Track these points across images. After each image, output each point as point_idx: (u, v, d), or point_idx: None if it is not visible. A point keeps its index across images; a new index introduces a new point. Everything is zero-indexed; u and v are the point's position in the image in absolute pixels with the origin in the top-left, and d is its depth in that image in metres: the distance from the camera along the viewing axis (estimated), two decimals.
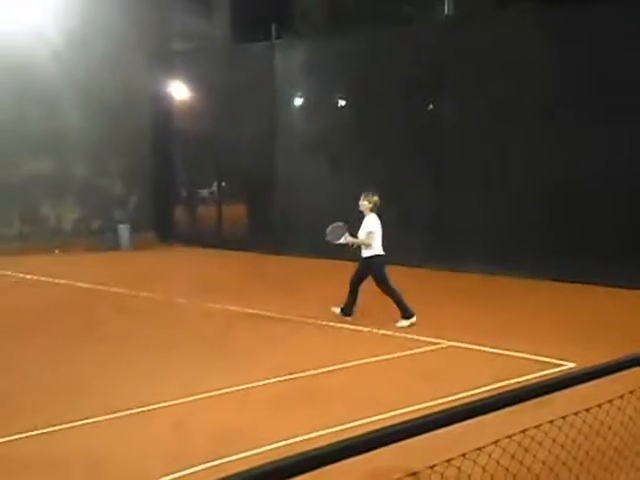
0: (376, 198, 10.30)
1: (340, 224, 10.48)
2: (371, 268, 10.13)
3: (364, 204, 10.26)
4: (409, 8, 20.47)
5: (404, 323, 10.04)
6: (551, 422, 3.23)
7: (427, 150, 15.70)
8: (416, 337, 9.41)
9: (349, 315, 10.35)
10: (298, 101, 18.88)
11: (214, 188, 20.71)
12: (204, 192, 21.64)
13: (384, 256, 10.22)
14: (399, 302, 10.10)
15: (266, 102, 18.10)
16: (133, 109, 19.47)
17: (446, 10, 15.48)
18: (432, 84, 15.66)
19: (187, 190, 21.60)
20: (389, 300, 11.88)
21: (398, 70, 15.99)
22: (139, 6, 19.36)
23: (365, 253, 10.19)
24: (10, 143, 17.40)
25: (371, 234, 10.08)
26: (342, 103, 18.18)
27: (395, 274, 14.85)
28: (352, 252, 10.63)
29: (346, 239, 10.29)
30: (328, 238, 10.47)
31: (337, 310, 10.41)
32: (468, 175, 15.23)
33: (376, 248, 10.12)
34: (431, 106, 16.12)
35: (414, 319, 10.06)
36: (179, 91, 20.63)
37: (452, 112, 15.48)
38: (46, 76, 17.76)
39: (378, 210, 10.31)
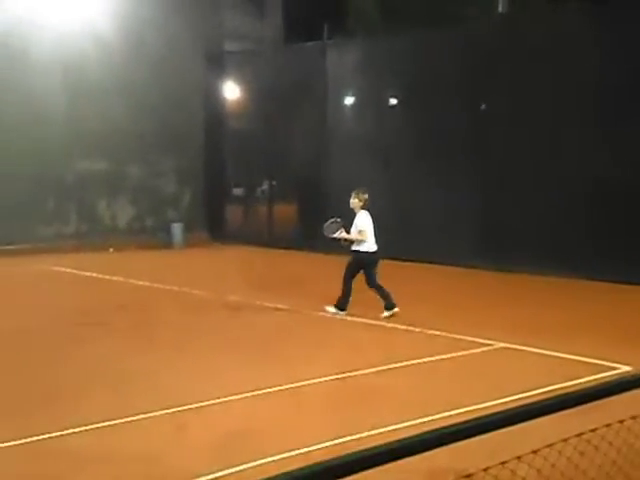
0: (366, 196, 10.59)
1: (338, 220, 10.87)
2: (357, 260, 10.46)
3: (354, 202, 10.57)
4: (463, 6, 20.32)
5: (332, 309, 10.63)
6: (608, 426, 3.20)
7: (478, 149, 15.59)
8: (468, 338, 9.35)
9: (343, 310, 10.58)
10: (349, 100, 18.91)
11: (265, 187, 20.85)
12: (255, 191, 21.80)
13: (375, 253, 10.53)
14: (344, 296, 10.54)
15: (318, 102, 18.17)
16: (186, 109, 19.72)
17: (500, 8, 15.34)
18: (484, 83, 15.55)
19: (238, 189, 21.80)
20: (436, 300, 11.96)
21: (450, 69, 15.90)
22: (192, 7, 19.59)
23: (355, 247, 10.52)
24: (67, 142, 17.78)
25: (362, 232, 10.40)
26: (394, 102, 18.15)
27: (444, 274, 14.87)
28: (346, 247, 10.86)
29: (340, 234, 10.64)
30: (325, 232, 10.86)
31: (387, 313, 10.49)
32: (519, 174, 15.09)
33: (367, 244, 10.43)
34: (484, 106, 16.00)
35: (343, 313, 10.54)
36: (231, 91, 20.83)
37: (503, 111, 15.35)
38: (100, 76, 18.10)
39: (369, 207, 10.59)
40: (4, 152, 16.91)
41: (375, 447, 2.15)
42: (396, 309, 10.46)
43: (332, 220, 10.89)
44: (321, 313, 10.88)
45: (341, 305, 10.65)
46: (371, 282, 10.51)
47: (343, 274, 10.61)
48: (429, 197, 16.16)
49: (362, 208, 10.52)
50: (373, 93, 17.82)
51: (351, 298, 10.67)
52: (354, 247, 10.51)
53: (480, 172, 15.56)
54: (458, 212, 15.80)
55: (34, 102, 17.25)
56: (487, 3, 18.81)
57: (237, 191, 21.83)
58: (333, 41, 18.07)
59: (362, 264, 10.49)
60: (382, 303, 10.48)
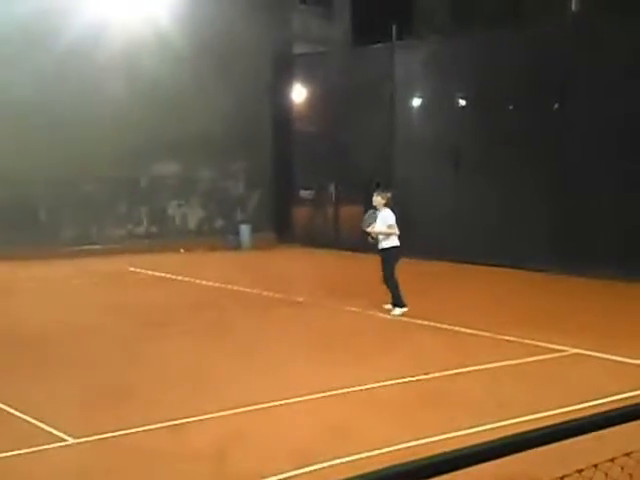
0: (389, 194, 11.10)
1: (374, 213, 11.02)
2: (392, 255, 10.79)
3: (377, 199, 10.98)
4: (533, 6, 19.96)
5: (396, 311, 10.77)
6: None
7: (549, 151, 15.29)
8: (540, 344, 9.18)
9: (404, 305, 10.78)
10: (418, 102, 18.78)
11: (332, 189, 20.88)
12: (322, 193, 21.83)
13: (400, 247, 10.88)
14: (396, 293, 10.81)
15: (386, 103, 18.11)
16: (254, 112, 19.90)
17: (573, 7, 15.01)
18: (556, 84, 15.26)
19: (305, 191, 21.86)
20: (504, 305, 11.81)
21: (520, 70, 15.65)
22: (259, 9, 19.74)
23: (384, 244, 10.85)
24: (140, 146, 18.13)
25: (392, 226, 10.79)
26: (463, 103, 17.95)
27: (512, 278, 14.60)
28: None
29: (373, 228, 10.87)
30: (363, 225, 11.07)
31: (396, 311, 10.80)
32: (591, 176, 14.72)
33: (394, 240, 10.82)
34: (556, 105, 15.68)
35: (406, 309, 10.74)
36: (299, 93, 20.94)
37: (574, 113, 15.02)
38: (171, 80, 18.41)
39: (392, 206, 11.02)
40: (80, 156, 17.36)
41: (447, 453, 2.12)
42: (406, 309, 10.74)
43: (372, 211, 11.06)
44: (389, 316, 10.84)
45: (400, 303, 10.81)
46: (389, 273, 10.83)
47: (383, 275, 10.82)
48: (499, 199, 15.94)
49: (385, 206, 10.91)
50: (442, 94, 17.66)
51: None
52: (385, 244, 10.82)
53: (551, 174, 15.25)
54: (528, 214, 15.53)
55: (105, 106, 17.60)
56: (559, 2, 18.42)
57: (304, 193, 21.91)
58: (402, 42, 17.98)
59: (397, 258, 10.82)
60: (391, 299, 10.87)
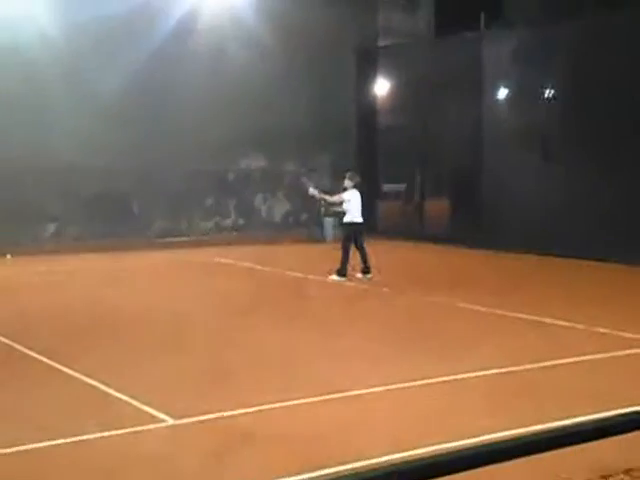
0: (346, 177, 13.11)
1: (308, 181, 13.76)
2: (346, 231, 12.92)
3: (346, 182, 13.04)
4: None
5: (335, 277, 12.68)
6: None
7: None
8: (636, 336, 8.92)
9: (344, 276, 12.66)
10: (506, 92, 18.45)
11: (417, 181, 20.75)
12: (407, 185, 21.73)
13: (359, 224, 12.84)
14: (344, 263, 12.65)
15: (473, 94, 17.87)
16: (339, 106, 19.95)
17: None
18: None
19: (390, 184, 21.81)
20: (600, 297, 11.50)
21: (612, 59, 15.17)
22: (344, 2, 19.76)
23: (344, 219, 12.99)
24: (228, 140, 18.44)
25: (343, 202, 12.76)
26: (553, 93, 17.53)
27: (608, 271, 14.16)
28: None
29: (312, 192, 13.20)
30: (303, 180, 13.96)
31: (334, 277, 12.62)
32: None
33: (350, 216, 12.80)
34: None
35: (344, 279, 12.64)
36: (384, 86, 20.88)
37: None
38: (258, 75, 18.64)
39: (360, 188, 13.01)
40: (171, 150, 17.79)
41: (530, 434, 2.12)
42: (344, 279, 12.55)
43: (305, 178, 13.58)
44: (480, 307, 10.71)
45: (341, 272, 12.60)
46: (346, 245, 12.69)
47: (342, 245, 12.77)
48: (588, 190, 15.51)
49: (353, 187, 12.83)
50: (532, 83, 17.26)
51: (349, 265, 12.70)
52: (345, 220, 12.90)
53: None
54: (620, 206, 15.04)
55: (194, 101, 17.96)
56: None
57: (389, 185, 21.85)
58: (490, 31, 17.68)
59: (351, 233, 12.72)
60: (361, 265, 12.81)
